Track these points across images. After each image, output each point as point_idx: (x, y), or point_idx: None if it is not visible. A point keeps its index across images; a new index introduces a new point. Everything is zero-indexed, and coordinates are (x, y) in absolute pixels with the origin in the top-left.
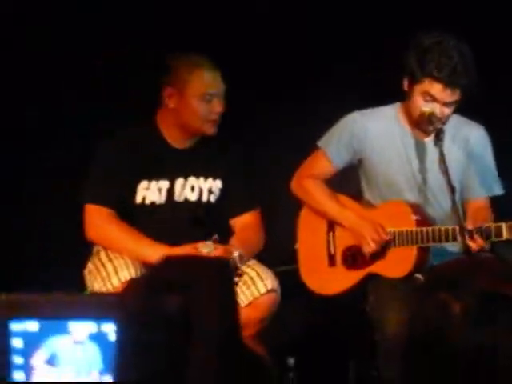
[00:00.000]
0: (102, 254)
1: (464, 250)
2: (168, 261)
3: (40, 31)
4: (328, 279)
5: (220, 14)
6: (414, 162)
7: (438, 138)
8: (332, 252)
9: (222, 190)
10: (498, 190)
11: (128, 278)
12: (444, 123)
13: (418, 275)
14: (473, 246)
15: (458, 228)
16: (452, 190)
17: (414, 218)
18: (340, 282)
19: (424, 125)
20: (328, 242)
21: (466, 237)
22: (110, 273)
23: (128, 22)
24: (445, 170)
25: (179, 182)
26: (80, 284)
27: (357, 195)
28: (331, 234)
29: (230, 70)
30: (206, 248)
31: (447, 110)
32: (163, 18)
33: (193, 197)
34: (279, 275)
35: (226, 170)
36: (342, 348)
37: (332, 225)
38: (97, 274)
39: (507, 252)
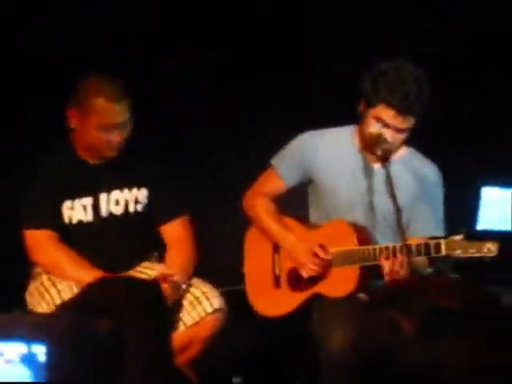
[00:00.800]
0: (44, 278)
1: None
2: (99, 283)
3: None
4: (273, 301)
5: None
6: (362, 184)
7: (385, 159)
8: (277, 273)
9: (149, 198)
10: (440, 233)
11: None
12: (395, 149)
13: (360, 294)
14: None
15: (398, 246)
16: (398, 210)
17: (356, 237)
18: (285, 304)
19: (372, 146)
20: (273, 263)
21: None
22: (54, 296)
23: (128, 22)
24: (391, 191)
25: (103, 197)
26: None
27: (306, 217)
28: (276, 255)
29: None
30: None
31: (399, 136)
32: (163, 18)
33: (118, 210)
34: (226, 294)
35: (150, 178)
36: (288, 368)
37: (277, 246)
38: (40, 299)
39: (446, 267)
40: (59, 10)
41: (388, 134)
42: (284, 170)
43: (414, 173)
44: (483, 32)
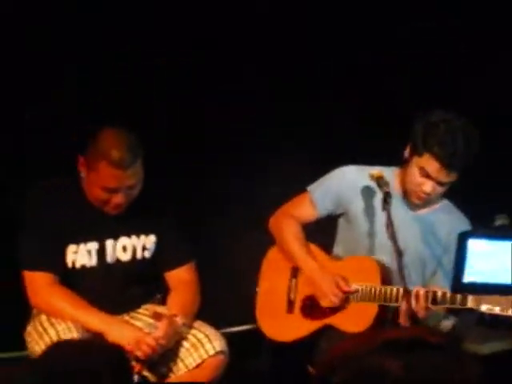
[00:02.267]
0: (43, 318)
1: (408, 314)
2: (52, 349)
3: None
4: (284, 326)
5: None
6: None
7: (386, 202)
8: (292, 298)
9: (157, 244)
10: None
11: None
12: (433, 201)
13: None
14: (415, 307)
15: (422, 291)
16: (399, 254)
17: (380, 275)
18: (295, 331)
19: (411, 194)
20: (289, 287)
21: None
22: (53, 337)
23: (128, 21)
24: (392, 234)
25: (109, 243)
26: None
27: (330, 248)
28: (294, 279)
29: None
30: (149, 328)
31: (440, 189)
32: (162, 18)
33: (126, 257)
34: (230, 336)
35: (159, 224)
36: None
37: (296, 270)
38: (39, 340)
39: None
40: (59, 9)
41: (429, 185)
42: (319, 198)
43: (450, 225)
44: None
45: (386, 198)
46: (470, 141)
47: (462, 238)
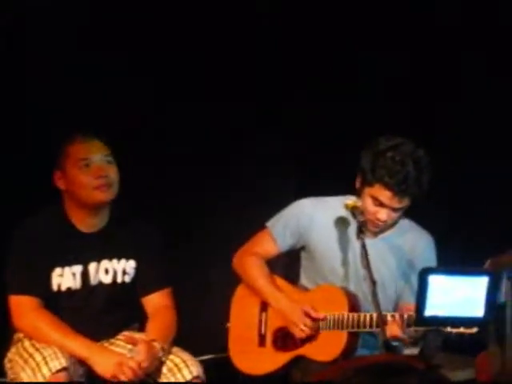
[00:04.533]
0: (27, 344)
1: (383, 341)
2: None
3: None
4: (257, 359)
5: None
6: (354, 255)
7: (361, 231)
8: (263, 332)
9: (136, 269)
10: None
11: (59, 367)
12: (390, 226)
13: None
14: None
15: (389, 314)
16: (373, 282)
17: (346, 302)
18: (268, 363)
19: (367, 223)
20: (260, 321)
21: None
22: (39, 362)
23: (128, 21)
24: (366, 264)
25: (92, 265)
26: None
27: (295, 279)
28: (264, 313)
29: None
30: (130, 353)
31: (394, 215)
32: (161, 17)
33: (107, 279)
34: (206, 363)
35: (138, 250)
36: None
37: (265, 305)
38: (24, 365)
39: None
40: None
41: (383, 213)
42: (279, 233)
43: (410, 244)
44: None
45: (362, 228)
46: (419, 164)
47: (423, 275)
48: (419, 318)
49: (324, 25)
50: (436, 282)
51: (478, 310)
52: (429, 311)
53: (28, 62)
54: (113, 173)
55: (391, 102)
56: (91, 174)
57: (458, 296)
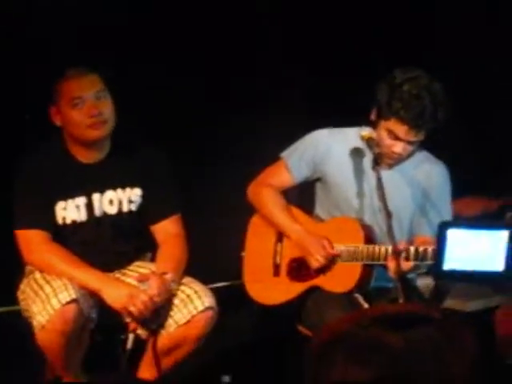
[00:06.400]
0: (38, 276)
1: (397, 275)
2: None
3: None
4: (271, 289)
5: None
6: (369, 186)
7: (376, 163)
8: (278, 262)
9: (143, 197)
10: None
11: (68, 299)
12: (405, 159)
13: (357, 295)
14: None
15: (404, 248)
16: (388, 215)
17: (362, 234)
18: (282, 293)
19: (383, 156)
20: (275, 251)
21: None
22: (49, 294)
23: (128, 21)
24: (381, 195)
25: (96, 197)
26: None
27: (310, 209)
28: (279, 244)
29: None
30: (142, 286)
31: (410, 148)
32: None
33: (112, 210)
34: (220, 291)
35: (145, 177)
36: (277, 366)
37: (281, 235)
38: (35, 297)
39: None
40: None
41: (399, 146)
42: (294, 164)
43: (422, 176)
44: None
45: (377, 159)
46: (436, 98)
47: (442, 228)
48: (438, 272)
49: (323, 25)
50: (455, 235)
51: (498, 264)
52: (447, 265)
53: (28, 61)
54: (106, 109)
55: None
56: (84, 113)
57: (478, 250)
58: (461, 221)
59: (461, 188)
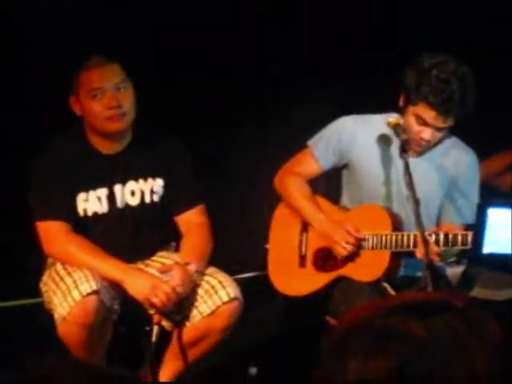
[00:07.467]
0: (59, 267)
1: (426, 263)
2: None
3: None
4: (296, 280)
5: None
6: (397, 174)
7: (404, 150)
8: (303, 253)
9: (165, 188)
10: (473, 221)
11: (89, 291)
12: (434, 145)
13: (385, 284)
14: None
15: (433, 235)
16: (416, 202)
17: (390, 222)
18: (309, 284)
19: (411, 142)
20: (300, 242)
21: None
22: (70, 285)
23: (128, 21)
24: (409, 183)
25: (118, 188)
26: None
27: (337, 198)
28: (304, 234)
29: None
30: (165, 276)
31: (439, 135)
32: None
33: (134, 201)
34: (244, 282)
35: (166, 167)
36: (304, 357)
37: (306, 225)
38: (56, 289)
39: None
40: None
41: (427, 133)
42: (321, 152)
43: (451, 163)
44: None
45: (405, 146)
46: (464, 83)
47: (481, 208)
48: (476, 256)
49: (324, 25)
50: (496, 215)
51: None
52: (487, 248)
53: (28, 62)
54: (126, 100)
55: None
56: (103, 105)
57: None
58: (502, 199)
59: None
